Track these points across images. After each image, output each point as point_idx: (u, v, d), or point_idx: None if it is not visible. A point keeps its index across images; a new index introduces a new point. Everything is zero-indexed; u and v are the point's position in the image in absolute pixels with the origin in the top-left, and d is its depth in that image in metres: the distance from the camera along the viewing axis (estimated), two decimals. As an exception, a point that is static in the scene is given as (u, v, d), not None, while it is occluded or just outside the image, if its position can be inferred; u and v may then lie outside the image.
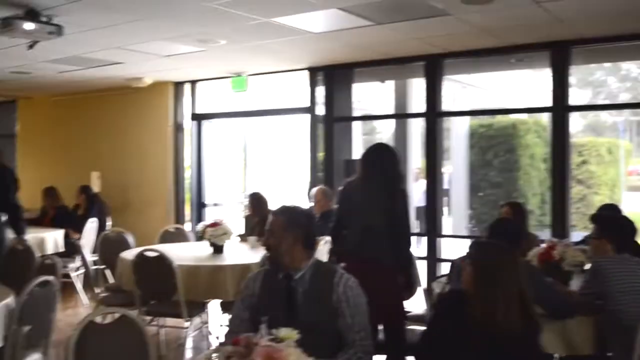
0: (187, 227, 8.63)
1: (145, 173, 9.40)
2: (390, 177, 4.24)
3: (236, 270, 5.27)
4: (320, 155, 7.96)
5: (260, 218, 6.84)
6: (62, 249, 7.59)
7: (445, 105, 7.49)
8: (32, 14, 4.91)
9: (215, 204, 9.39)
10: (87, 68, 7.81)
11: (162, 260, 5.06)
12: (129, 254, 5.69)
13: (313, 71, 7.90)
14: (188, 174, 9.31)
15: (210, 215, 9.16)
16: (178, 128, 9.23)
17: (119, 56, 7.05)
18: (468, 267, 2.91)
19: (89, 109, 10.17)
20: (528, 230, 4.63)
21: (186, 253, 5.76)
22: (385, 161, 4.27)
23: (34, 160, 11.20)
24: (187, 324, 5.69)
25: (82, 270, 7.62)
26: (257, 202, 6.87)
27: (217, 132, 9.51)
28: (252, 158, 10.13)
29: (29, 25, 4.76)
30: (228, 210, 9.44)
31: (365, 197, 4.23)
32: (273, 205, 6.91)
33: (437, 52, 6.88)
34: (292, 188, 8.87)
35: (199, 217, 9.20)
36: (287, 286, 2.89)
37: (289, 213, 3.00)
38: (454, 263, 3.96)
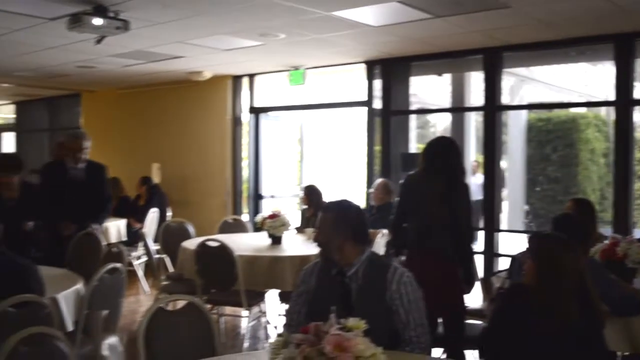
0: (244, 218, 8.76)
1: (204, 165, 9.58)
2: (453, 170, 4.24)
3: (295, 261, 5.36)
4: (377, 148, 7.97)
5: (315, 210, 6.93)
6: (124, 238, 7.84)
7: (504, 99, 7.41)
8: (100, 10, 5.07)
9: (272, 196, 9.50)
10: (149, 62, 8.00)
11: (223, 250, 5.17)
12: (190, 244, 5.85)
13: (370, 64, 7.91)
14: (245, 166, 9.43)
15: (266, 208, 9.29)
16: (236, 121, 9.37)
17: (180, 50, 7.20)
18: (529, 261, 2.90)
19: (150, 102, 10.41)
20: (595, 228, 4.50)
21: (245, 243, 5.87)
22: (448, 154, 4.27)
23: (96, 152, 11.44)
24: (245, 313, 5.82)
25: (143, 259, 7.83)
26: (312, 194, 6.96)
27: (274, 125, 9.60)
28: (308, 151, 10.20)
29: (97, 21, 4.92)
30: (284, 202, 9.54)
31: (427, 190, 4.24)
32: (328, 197, 7.00)
33: (497, 44, 6.80)
34: (348, 181, 8.90)
35: (255, 209, 9.33)
36: (341, 283, 2.89)
37: (337, 209, 2.97)
38: (515, 258, 3.93)
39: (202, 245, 5.28)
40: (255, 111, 9.34)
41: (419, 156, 4.57)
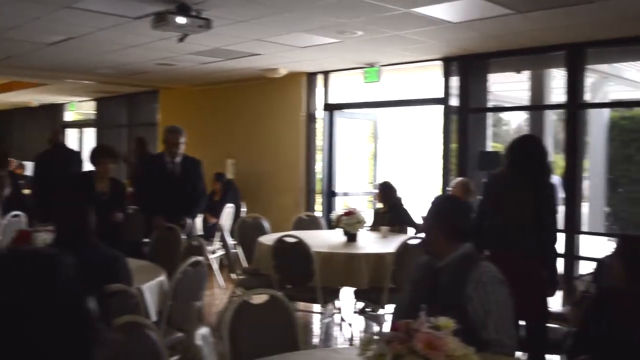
0: (317, 215, 8.79)
1: (278, 162, 9.67)
2: (540, 169, 4.14)
3: (370, 259, 5.35)
4: (453, 146, 7.86)
5: (389, 207, 6.89)
6: (200, 232, 7.99)
7: (586, 97, 7.18)
8: (183, 9, 5.18)
9: (345, 193, 9.51)
10: (227, 60, 8.12)
11: (300, 246, 5.20)
12: (266, 239, 5.92)
13: (447, 61, 7.80)
14: (319, 163, 9.46)
15: (339, 205, 9.30)
16: (310, 118, 9.41)
17: (257, 48, 7.28)
18: (618, 264, 2.80)
19: (226, 99, 10.58)
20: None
21: (321, 240, 5.88)
22: (533, 153, 4.18)
23: (173, 147, 11.79)
24: (317, 309, 5.83)
25: (219, 253, 7.96)
26: (386, 191, 6.92)
27: (348, 122, 9.60)
28: (382, 149, 10.16)
29: (180, 20, 5.02)
30: (357, 200, 9.53)
31: (512, 189, 4.15)
32: (402, 195, 6.95)
33: (580, 40, 6.59)
34: (422, 179, 8.81)
35: (328, 206, 9.35)
36: (432, 275, 2.91)
37: (437, 204, 3.08)
38: (602, 261, 3.81)
39: (280, 241, 5.33)
40: (330, 108, 9.36)
41: (504, 155, 4.48)
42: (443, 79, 7.87)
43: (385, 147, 10.21)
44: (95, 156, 5.77)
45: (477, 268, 2.85)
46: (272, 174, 9.74)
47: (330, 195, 9.41)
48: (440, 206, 3.07)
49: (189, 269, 3.97)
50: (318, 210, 9.35)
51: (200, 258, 4.11)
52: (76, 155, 8.36)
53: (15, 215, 6.50)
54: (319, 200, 9.47)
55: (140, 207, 6.40)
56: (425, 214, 3.05)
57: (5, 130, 18.82)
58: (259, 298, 3.21)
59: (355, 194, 9.70)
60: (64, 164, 7.71)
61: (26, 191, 8.52)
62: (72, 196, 5.21)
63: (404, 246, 5.24)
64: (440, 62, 7.84)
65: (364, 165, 10.01)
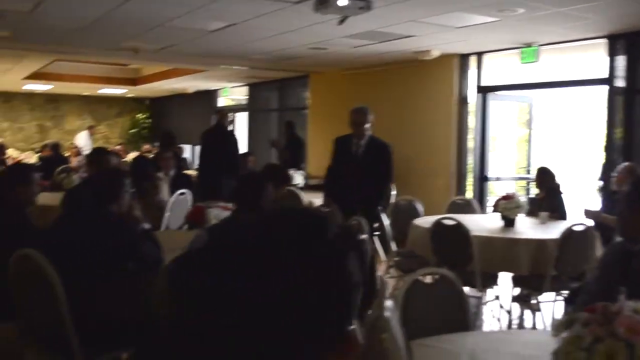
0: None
1: (428, 145, 9.57)
2: None
3: (531, 244, 5.18)
4: (618, 130, 7.40)
5: (547, 193, 6.62)
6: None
7: None
8: (344, -9, 5.22)
9: (497, 178, 9.25)
10: (379, 42, 8.13)
11: (459, 229, 5.13)
12: (421, 222, 5.90)
13: (613, 39, 7.33)
14: (471, 147, 9.26)
15: (492, 190, 9.08)
16: (462, 101, 9.22)
17: (412, 29, 7.22)
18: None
19: (375, 83, 10.60)
20: None
21: (477, 224, 5.75)
22: None
23: (323, 131, 12.01)
24: (473, 293, 5.72)
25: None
26: (544, 176, 6.66)
27: (502, 105, 9.31)
28: (537, 132, 9.77)
29: (342, 2, 5.07)
30: (509, 185, 9.25)
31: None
32: (561, 181, 6.64)
33: None
34: (581, 165, 8.38)
35: (480, 190, 9.15)
36: (626, 258, 2.76)
37: (634, 183, 2.97)
38: None
39: (438, 223, 5.28)
40: (483, 90, 9.12)
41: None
42: (608, 58, 7.41)
43: (541, 131, 9.79)
44: None
45: None
46: (422, 158, 9.65)
47: (482, 180, 9.20)
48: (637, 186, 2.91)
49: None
50: (469, 195, 9.17)
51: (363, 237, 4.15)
52: (233, 137, 8.79)
53: (182, 194, 6.88)
54: (469, 184, 9.28)
55: (325, 190, 6.47)
56: (588, 205, 2.92)
57: (165, 115, 20.05)
58: (428, 278, 3.20)
59: (508, 179, 9.41)
60: (222, 144, 8.17)
61: (187, 171, 9.03)
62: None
63: (569, 232, 5.03)
64: (604, 40, 7.39)
65: (517, 150, 9.68)
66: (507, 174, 9.47)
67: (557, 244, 5.02)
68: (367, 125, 6.08)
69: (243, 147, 15.31)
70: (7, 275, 3.36)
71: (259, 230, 0.91)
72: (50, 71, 14.09)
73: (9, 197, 4.09)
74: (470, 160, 9.24)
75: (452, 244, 5.21)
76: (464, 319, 3.03)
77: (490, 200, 8.95)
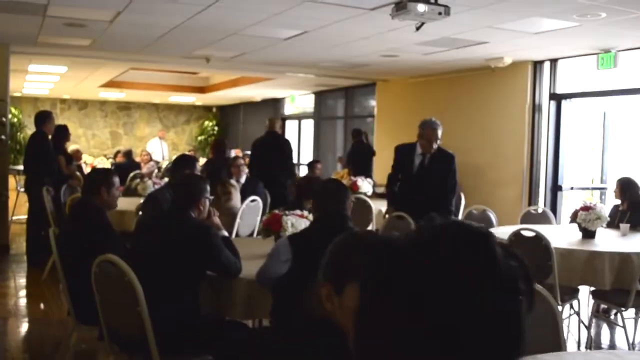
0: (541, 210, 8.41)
1: (499, 153, 9.37)
2: None
3: (614, 258, 4.98)
4: None
5: (629, 204, 6.39)
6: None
7: None
8: (423, -4, 5.16)
9: (572, 188, 8.98)
10: (451, 49, 8.01)
11: (538, 241, 4.98)
12: (497, 232, 5.76)
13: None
14: (544, 155, 9.01)
15: (566, 200, 8.82)
16: (535, 108, 8.98)
17: (486, 36, 7.08)
18: None
19: (444, 91, 10.47)
20: None
21: (555, 235, 5.58)
22: None
23: (390, 139, 11.93)
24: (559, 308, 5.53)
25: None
26: (626, 187, 6.43)
27: (576, 112, 9.04)
28: (613, 141, 9.43)
29: (421, 7, 5.01)
30: (584, 195, 8.96)
31: None
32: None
33: None
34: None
35: (553, 200, 8.89)
36: None
37: None
38: None
39: (517, 234, 5.14)
40: (557, 98, 8.87)
41: None
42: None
43: (617, 139, 9.45)
44: None
45: None
46: (492, 166, 9.47)
47: (555, 189, 8.94)
48: None
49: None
50: (540, 205, 8.93)
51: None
52: (287, 144, 8.85)
53: (253, 200, 6.93)
54: (541, 194, 9.04)
55: (389, 199, 6.48)
56: None
57: (232, 122, 20.36)
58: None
59: (583, 189, 9.12)
60: (275, 150, 8.29)
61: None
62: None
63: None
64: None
65: (592, 159, 9.38)
66: (581, 184, 9.17)
67: (643, 258, 4.83)
68: (439, 142, 6.07)
69: (309, 154, 15.40)
70: (90, 278, 3.44)
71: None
72: (123, 79, 14.51)
73: (92, 200, 4.19)
74: (543, 170, 8.99)
75: (531, 255, 5.05)
76: (557, 338, 2.91)
77: (565, 211, 8.70)
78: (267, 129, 8.74)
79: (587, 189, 9.27)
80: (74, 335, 4.08)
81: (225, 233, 3.88)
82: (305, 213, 4.48)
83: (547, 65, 8.86)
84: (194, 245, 3.47)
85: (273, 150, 8.39)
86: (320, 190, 3.54)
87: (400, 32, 6.83)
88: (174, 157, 7.16)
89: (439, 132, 6.05)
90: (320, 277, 1.73)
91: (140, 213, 5.26)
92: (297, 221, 4.33)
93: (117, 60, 10.22)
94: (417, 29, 5.50)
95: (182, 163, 5.30)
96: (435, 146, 6.06)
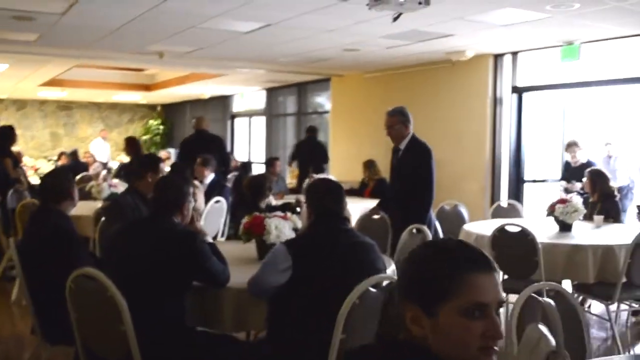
0: (504, 204, 8.36)
1: (461, 147, 9.28)
2: None
3: (597, 251, 4.90)
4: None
5: (599, 197, 6.36)
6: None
7: None
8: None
9: (534, 181, 8.96)
10: (415, 42, 7.86)
11: (525, 236, 4.85)
12: (473, 227, 5.65)
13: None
14: (506, 148, 8.96)
15: (528, 193, 8.80)
16: (497, 101, 8.93)
17: (454, 28, 6.95)
18: None
19: (402, 85, 10.32)
20: None
21: (531, 229, 5.48)
22: None
23: (345, 135, 11.76)
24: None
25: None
26: (597, 179, 6.39)
27: (537, 105, 9.02)
28: (575, 133, 9.47)
29: (401, -3, 4.79)
30: (547, 188, 8.95)
31: None
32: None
33: None
34: (625, 168, 8.06)
35: (516, 193, 8.86)
36: None
37: None
38: None
39: (501, 230, 5.01)
40: (518, 91, 8.84)
41: None
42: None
43: (579, 131, 9.49)
44: None
45: None
46: (454, 160, 9.35)
47: (518, 182, 8.92)
48: None
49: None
50: (504, 198, 8.89)
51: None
52: (218, 142, 8.74)
53: (217, 201, 6.63)
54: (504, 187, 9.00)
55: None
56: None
57: (179, 121, 19.82)
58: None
59: (545, 181, 9.12)
60: (203, 149, 7.98)
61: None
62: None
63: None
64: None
65: (555, 151, 9.37)
66: (546, 176, 9.16)
67: (628, 250, 4.75)
68: (398, 127, 5.53)
69: (260, 153, 15.10)
70: (57, 291, 3.12)
71: None
72: (65, 78, 13.86)
73: (53, 206, 3.85)
74: (505, 163, 8.95)
75: (516, 251, 4.93)
76: (582, 343, 2.74)
77: (528, 204, 8.68)
78: (195, 128, 8.72)
79: (550, 181, 9.26)
80: (43, 357, 3.70)
81: (210, 238, 3.58)
82: (289, 214, 4.23)
83: (507, 58, 8.83)
84: (180, 253, 3.16)
85: (202, 149, 8.03)
86: (317, 190, 3.28)
87: (368, 24, 6.64)
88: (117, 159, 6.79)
89: (393, 119, 5.53)
90: (398, 297, 1.49)
91: (104, 219, 4.87)
92: (281, 223, 4.07)
93: (64, 57, 9.66)
94: (394, 19, 5.28)
95: (149, 165, 4.91)
96: (397, 132, 5.52)
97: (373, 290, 2.91)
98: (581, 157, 7.79)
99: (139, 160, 4.91)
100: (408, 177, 5.44)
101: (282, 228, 4.03)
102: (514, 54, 8.75)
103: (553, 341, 2.12)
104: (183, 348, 3.16)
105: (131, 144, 9.25)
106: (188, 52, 8.83)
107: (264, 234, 4.00)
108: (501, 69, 8.87)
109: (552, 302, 2.43)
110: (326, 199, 3.19)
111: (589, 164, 7.42)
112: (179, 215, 3.38)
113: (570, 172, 7.70)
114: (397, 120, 5.53)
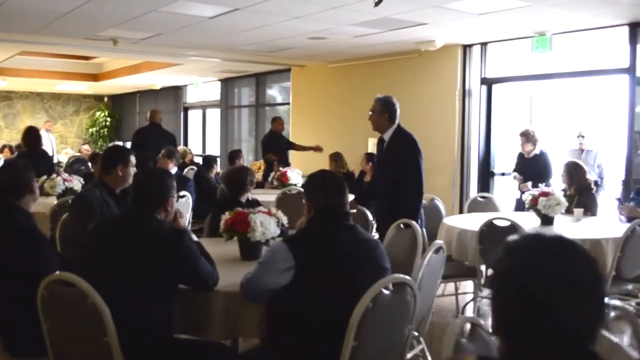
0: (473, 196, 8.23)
1: (429, 140, 9.03)
2: None
3: (584, 245, 4.70)
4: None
5: (577, 189, 6.27)
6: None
7: None
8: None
9: (503, 174, 8.86)
10: (385, 31, 7.62)
11: (513, 231, 4.67)
12: (453, 222, 5.49)
13: (634, 27, 7.01)
14: (475, 141, 8.82)
15: (498, 186, 8.69)
16: (466, 93, 8.77)
17: (427, 16, 6.73)
18: None
19: (367, 75, 10.09)
20: None
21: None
22: None
23: (306, 126, 11.47)
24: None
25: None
26: (574, 172, 6.29)
27: (508, 96, 8.90)
28: (546, 124, 9.39)
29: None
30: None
31: None
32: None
33: None
34: (604, 159, 7.99)
35: (486, 186, 8.74)
36: None
37: None
38: None
39: (489, 224, 4.82)
40: (487, 82, 8.70)
41: None
42: (629, 47, 7.08)
43: (550, 122, 9.43)
44: None
45: None
46: (423, 154, 9.16)
47: (487, 175, 8.80)
48: None
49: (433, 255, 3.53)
50: (473, 192, 8.76)
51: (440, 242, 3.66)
52: (171, 137, 8.81)
53: (183, 196, 6.27)
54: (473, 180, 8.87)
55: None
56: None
57: (127, 112, 19.15)
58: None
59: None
60: (156, 142, 8.00)
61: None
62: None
63: (632, 231, 4.65)
64: (626, 28, 7.06)
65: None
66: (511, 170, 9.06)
67: (616, 243, 4.65)
68: (375, 115, 5.22)
69: (215, 145, 14.67)
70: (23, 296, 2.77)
71: None
72: (5, 66, 13.12)
73: (15, 202, 3.45)
74: (474, 156, 8.82)
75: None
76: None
77: (497, 197, 8.55)
78: (149, 121, 8.79)
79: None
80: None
81: (195, 237, 3.25)
82: (273, 210, 3.93)
83: (477, 49, 8.67)
84: (166, 253, 2.84)
85: (156, 141, 8.07)
86: (318, 184, 3.00)
87: (338, 11, 6.36)
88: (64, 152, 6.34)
89: (374, 105, 5.23)
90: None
91: (67, 216, 4.46)
92: (266, 219, 3.77)
93: (8, 43, 9.06)
94: (377, 4, 5.03)
95: (114, 156, 4.48)
96: (377, 122, 5.26)
97: (386, 292, 2.66)
98: (534, 149, 7.44)
99: (108, 152, 4.49)
100: (393, 168, 5.18)
101: (268, 225, 3.73)
102: (484, 44, 8.61)
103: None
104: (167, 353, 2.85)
105: (29, 136, 8.01)
106: (144, 39, 8.37)
107: (249, 231, 3.69)
108: (470, 60, 8.71)
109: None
110: (330, 193, 2.91)
111: (542, 154, 7.27)
112: (162, 211, 3.04)
113: (523, 164, 7.43)
114: (376, 107, 5.27)
